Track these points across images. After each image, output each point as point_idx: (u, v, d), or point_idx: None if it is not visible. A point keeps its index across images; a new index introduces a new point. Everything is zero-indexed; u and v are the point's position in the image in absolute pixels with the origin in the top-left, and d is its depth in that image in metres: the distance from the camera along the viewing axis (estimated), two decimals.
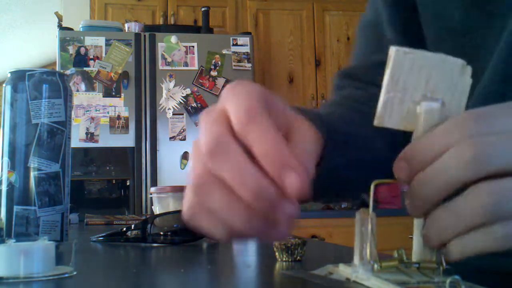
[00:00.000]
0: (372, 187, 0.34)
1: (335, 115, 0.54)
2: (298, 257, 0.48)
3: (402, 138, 0.65)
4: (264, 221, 0.31)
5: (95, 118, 2.71)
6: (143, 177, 2.71)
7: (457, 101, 0.33)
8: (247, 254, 0.67)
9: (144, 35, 2.83)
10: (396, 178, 0.32)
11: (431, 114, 0.32)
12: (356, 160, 0.51)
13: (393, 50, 0.32)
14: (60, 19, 3.29)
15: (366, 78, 0.67)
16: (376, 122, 0.33)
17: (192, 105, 2.81)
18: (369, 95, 0.62)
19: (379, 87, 0.63)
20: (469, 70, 0.33)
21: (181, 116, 2.79)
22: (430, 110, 0.32)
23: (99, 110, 2.72)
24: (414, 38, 0.66)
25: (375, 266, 0.32)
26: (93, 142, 2.69)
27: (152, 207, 1.12)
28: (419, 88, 0.32)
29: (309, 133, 0.37)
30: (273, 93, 0.35)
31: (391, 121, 0.33)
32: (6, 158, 0.61)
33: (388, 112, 0.33)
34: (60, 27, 2.98)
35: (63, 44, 2.74)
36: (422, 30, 0.65)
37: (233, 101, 0.32)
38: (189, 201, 0.33)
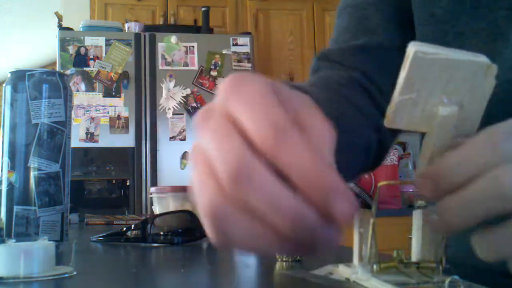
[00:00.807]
0: (377, 188, 0.34)
1: (322, 98, 0.51)
2: (298, 257, 0.48)
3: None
4: (300, 247, 0.27)
5: (95, 118, 2.71)
6: (143, 177, 2.71)
7: (477, 103, 0.31)
8: (247, 254, 0.67)
9: (144, 35, 2.83)
10: (420, 194, 0.30)
11: (448, 119, 0.30)
12: (347, 144, 0.49)
13: (412, 50, 0.29)
14: (60, 19, 3.29)
15: (345, 62, 0.64)
16: (386, 123, 0.31)
17: (192, 105, 2.81)
18: (349, 77, 0.61)
19: (358, 71, 0.63)
20: (494, 70, 0.30)
21: (181, 116, 2.79)
22: (447, 115, 0.30)
23: (99, 110, 2.72)
24: (401, 24, 0.64)
25: (374, 266, 0.32)
26: (93, 142, 2.69)
27: (152, 207, 1.12)
28: (437, 90, 0.30)
29: (325, 126, 0.30)
30: (277, 82, 0.30)
31: (402, 123, 0.31)
32: (6, 158, 0.61)
33: (400, 114, 0.30)
34: (60, 27, 2.98)
35: (63, 44, 2.74)
36: (411, 15, 0.63)
37: (248, 106, 0.27)
38: (211, 228, 0.27)
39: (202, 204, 0.27)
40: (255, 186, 0.25)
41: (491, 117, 0.54)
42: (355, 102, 0.59)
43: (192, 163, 0.29)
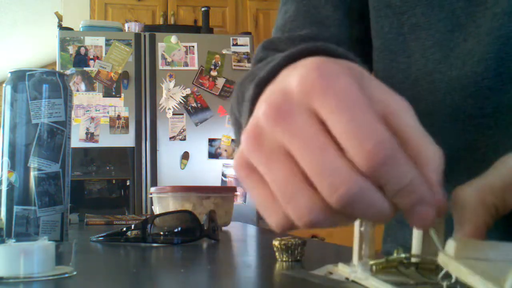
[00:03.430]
0: None
1: None
2: (298, 257, 0.48)
3: None
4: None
5: (95, 118, 2.71)
6: (143, 177, 2.71)
7: None
8: (247, 254, 0.67)
9: (144, 35, 2.83)
10: None
11: None
12: None
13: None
14: (60, 19, 3.29)
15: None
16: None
17: (192, 105, 2.81)
18: None
19: None
20: None
21: (181, 116, 2.79)
22: None
23: (99, 110, 2.72)
24: (354, 15, 0.62)
25: (374, 266, 0.32)
26: (93, 142, 2.69)
27: (152, 207, 1.12)
28: None
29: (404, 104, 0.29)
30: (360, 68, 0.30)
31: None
32: (6, 158, 0.61)
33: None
34: (60, 27, 2.98)
35: (63, 44, 2.74)
36: (365, 7, 0.61)
37: (344, 117, 0.26)
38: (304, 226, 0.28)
39: (299, 210, 0.27)
40: (363, 207, 0.26)
41: (461, 109, 0.53)
42: None
43: (263, 151, 0.28)
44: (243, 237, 0.93)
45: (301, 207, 0.27)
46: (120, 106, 2.74)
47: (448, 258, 0.27)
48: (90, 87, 2.73)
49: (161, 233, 0.71)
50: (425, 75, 0.55)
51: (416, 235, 0.33)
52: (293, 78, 0.28)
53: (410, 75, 0.57)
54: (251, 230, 1.15)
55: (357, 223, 0.34)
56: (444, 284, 0.29)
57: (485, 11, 0.51)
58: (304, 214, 0.27)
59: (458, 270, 0.26)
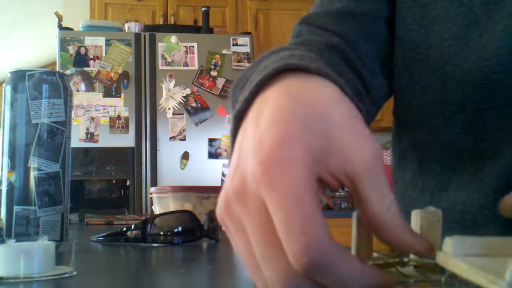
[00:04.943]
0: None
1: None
2: None
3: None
4: None
5: (95, 118, 2.71)
6: (143, 177, 2.71)
7: None
8: None
9: (144, 35, 2.83)
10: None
11: None
12: None
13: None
14: (60, 19, 3.29)
15: (328, 26, 0.61)
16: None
17: (192, 105, 2.81)
18: (327, 42, 0.58)
19: (338, 36, 0.60)
20: None
21: (181, 116, 2.79)
22: None
23: (99, 110, 2.72)
24: None
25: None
26: (93, 142, 2.69)
27: (152, 207, 1.12)
28: None
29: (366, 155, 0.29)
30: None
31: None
32: (6, 158, 0.61)
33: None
34: (60, 27, 2.98)
35: (63, 44, 2.74)
36: None
37: (283, 214, 0.26)
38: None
39: (258, 284, 0.29)
40: None
41: (470, 101, 0.54)
42: (336, 68, 0.55)
43: (230, 219, 0.30)
44: None
45: (258, 282, 0.29)
46: (120, 106, 2.74)
47: (447, 256, 0.27)
48: (90, 87, 2.73)
49: (161, 233, 0.71)
50: (440, 66, 0.57)
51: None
52: (250, 162, 0.28)
53: (427, 65, 0.58)
54: None
55: (354, 223, 0.34)
56: (442, 279, 0.29)
57: (502, 9, 0.52)
58: (276, 278, 0.28)
59: (458, 267, 0.26)
